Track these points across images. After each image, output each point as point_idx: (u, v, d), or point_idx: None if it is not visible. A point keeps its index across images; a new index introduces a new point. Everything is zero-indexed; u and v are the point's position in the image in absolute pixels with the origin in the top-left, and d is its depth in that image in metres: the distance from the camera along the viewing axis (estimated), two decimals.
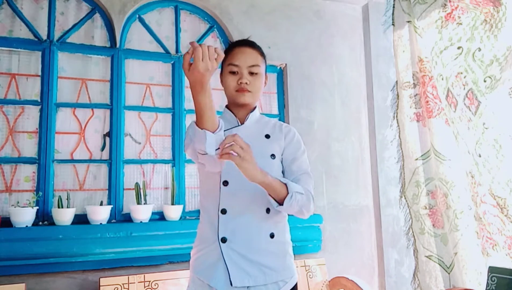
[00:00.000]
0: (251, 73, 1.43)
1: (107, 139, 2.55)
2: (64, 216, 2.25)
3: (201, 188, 1.51)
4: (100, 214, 2.31)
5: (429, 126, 2.36)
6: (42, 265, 2.17)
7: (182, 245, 2.38)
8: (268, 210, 1.40)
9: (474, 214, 2.20)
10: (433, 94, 2.34)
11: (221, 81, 1.50)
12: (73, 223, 2.29)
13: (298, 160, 1.46)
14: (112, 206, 2.43)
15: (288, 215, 1.51)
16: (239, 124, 1.48)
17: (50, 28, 2.50)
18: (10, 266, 2.12)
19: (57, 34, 2.52)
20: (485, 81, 2.10)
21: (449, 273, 2.29)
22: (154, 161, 2.63)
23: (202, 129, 1.21)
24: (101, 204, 2.39)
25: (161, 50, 2.73)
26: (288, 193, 1.29)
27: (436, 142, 2.32)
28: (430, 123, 2.35)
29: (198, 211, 2.66)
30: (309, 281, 2.58)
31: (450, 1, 2.26)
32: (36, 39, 2.46)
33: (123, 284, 2.19)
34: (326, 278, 2.62)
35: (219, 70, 1.53)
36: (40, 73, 2.45)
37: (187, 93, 2.74)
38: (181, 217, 2.52)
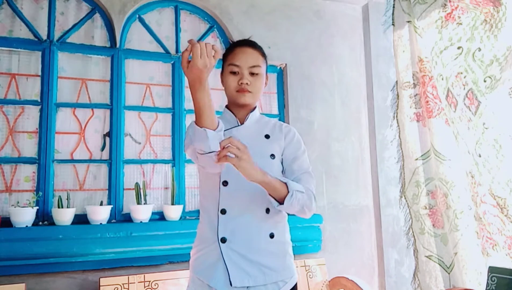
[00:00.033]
0: (252, 74, 1.43)
1: (107, 139, 2.55)
2: (64, 216, 2.25)
3: (201, 188, 1.51)
4: (100, 214, 2.31)
5: (429, 126, 2.36)
6: (42, 265, 2.17)
7: (182, 245, 2.38)
8: (268, 210, 1.40)
9: (474, 214, 2.20)
10: (433, 94, 2.34)
11: (222, 81, 1.50)
12: (73, 223, 2.29)
13: (298, 159, 1.46)
14: (112, 206, 2.43)
15: (289, 215, 1.51)
16: (239, 124, 1.48)
17: (50, 28, 2.50)
18: (10, 266, 2.12)
19: (57, 34, 2.52)
20: (485, 81, 2.10)
21: (449, 273, 2.30)
22: (154, 161, 2.63)
23: (201, 128, 1.20)
24: (101, 204, 2.39)
25: (161, 50, 2.73)
26: (288, 192, 1.29)
27: (436, 142, 2.32)
28: (430, 123, 2.35)
29: (198, 211, 2.66)
30: (309, 281, 2.58)
31: (450, 1, 2.26)
32: (36, 39, 2.46)
33: (123, 284, 2.19)
34: (326, 278, 2.62)
35: (219, 70, 1.53)
36: (40, 73, 2.45)
37: (187, 93, 2.74)
38: (181, 217, 2.52)
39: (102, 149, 2.54)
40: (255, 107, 1.52)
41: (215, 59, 1.15)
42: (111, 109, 2.56)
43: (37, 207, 2.28)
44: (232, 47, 1.48)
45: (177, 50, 2.76)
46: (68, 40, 2.53)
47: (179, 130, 2.68)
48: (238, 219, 1.37)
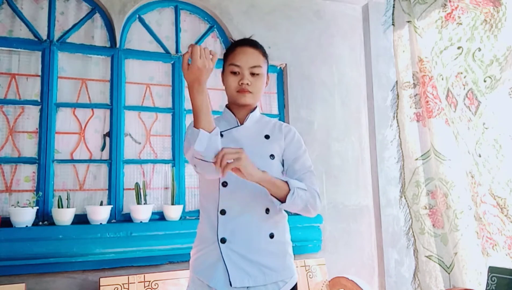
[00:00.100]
0: (253, 74, 1.42)
1: (107, 139, 2.55)
2: (64, 216, 2.25)
3: (200, 189, 1.51)
4: (100, 214, 2.31)
5: (429, 126, 2.36)
6: (42, 265, 2.17)
7: (182, 245, 2.38)
8: (267, 210, 1.40)
9: (474, 214, 2.20)
10: (433, 94, 2.34)
11: (223, 81, 1.50)
12: (73, 223, 2.29)
13: (300, 159, 1.46)
14: (112, 206, 2.43)
15: (290, 214, 1.51)
16: (239, 124, 1.48)
17: (50, 28, 2.50)
18: (10, 266, 2.12)
19: (57, 34, 2.52)
20: (485, 81, 2.10)
21: (449, 273, 2.30)
22: (154, 161, 2.63)
23: (198, 129, 1.23)
24: (101, 204, 2.39)
25: (161, 50, 2.73)
26: (289, 190, 1.29)
27: (436, 142, 2.32)
28: (430, 123, 2.35)
29: (198, 211, 2.66)
30: (309, 281, 2.58)
31: (450, 1, 2.26)
32: (36, 39, 2.46)
33: (123, 284, 2.19)
34: (326, 278, 2.62)
35: (220, 70, 1.53)
36: (40, 73, 2.45)
37: (187, 93, 2.71)
38: (181, 217, 2.52)
39: (102, 149, 2.54)
40: (255, 107, 1.51)
41: (213, 62, 1.21)
42: (111, 109, 2.56)
43: (37, 207, 2.28)
44: (233, 46, 1.47)
45: (177, 50, 2.76)
46: (68, 40, 2.53)
47: (179, 130, 2.68)
48: (237, 220, 1.37)
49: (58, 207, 2.26)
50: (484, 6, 2.09)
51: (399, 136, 2.54)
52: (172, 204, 2.51)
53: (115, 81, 2.58)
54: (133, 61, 2.68)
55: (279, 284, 1.38)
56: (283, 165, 1.47)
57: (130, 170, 2.58)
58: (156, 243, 2.37)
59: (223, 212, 1.38)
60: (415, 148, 2.46)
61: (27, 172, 2.37)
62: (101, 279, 2.18)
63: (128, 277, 2.21)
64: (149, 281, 2.24)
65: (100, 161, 2.51)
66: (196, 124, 1.25)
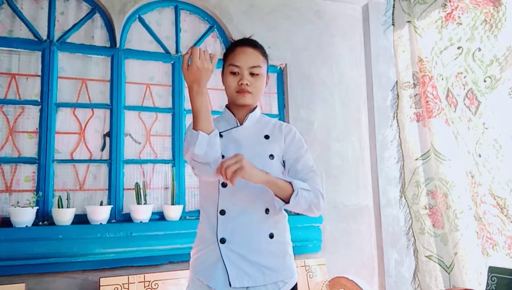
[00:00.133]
0: (252, 74, 1.42)
1: (107, 139, 2.55)
2: (64, 216, 2.25)
3: (200, 189, 1.51)
4: (100, 214, 2.31)
5: (429, 126, 2.36)
6: (42, 265, 2.17)
7: (182, 245, 2.38)
8: (267, 210, 1.40)
9: (474, 214, 2.20)
10: (433, 94, 2.34)
11: (222, 81, 1.50)
12: (73, 223, 2.29)
13: (302, 158, 1.46)
14: (112, 206, 2.43)
15: (290, 214, 1.51)
16: (238, 124, 1.48)
17: (50, 28, 2.50)
18: (10, 266, 2.12)
19: (57, 34, 2.52)
20: (485, 81, 2.10)
21: (449, 273, 2.29)
22: (154, 161, 2.63)
23: (197, 131, 1.23)
24: (101, 204, 2.39)
25: (161, 50, 2.73)
26: (293, 190, 1.29)
27: (436, 142, 2.32)
28: (430, 123, 2.35)
29: (198, 211, 2.66)
30: (309, 281, 2.58)
31: (450, 1, 2.25)
32: (36, 39, 2.46)
33: (123, 284, 2.19)
34: (326, 278, 2.62)
35: (220, 70, 1.53)
36: (40, 73, 2.45)
37: (187, 93, 2.71)
38: (181, 217, 2.52)
39: (102, 149, 2.54)
40: (255, 107, 1.51)
41: (213, 64, 1.23)
42: (111, 109, 2.56)
43: (37, 207, 2.28)
44: (233, 46, 1.47)
45: (177, 50, 2.76)
46: (68, 40, 2.53)
47: (179, 130, 2.68)
48: (237, 220, 1.37)
49: (58, 207, 2.26)
50: (484, 6, 2.09)
51: (399, 136, 2.54)
52: (172, 204, 2.51)
53: (115, 81, 2.58)
54: (133, 61, 2.68)
55: (279, 284, 1.38)
56: (283, 166, 1.47)
57: (130, 170, 2.58)
58: (156, 243, 2.37)
59: (222, 212, 1.38)
60: (415, 148, 2.46)
61: (27, 172, 2.37)
62: (101, 279, 2.18)
63: (128, 277, 2.21)
64: (149, 281, 2.24)
65: (100, 161, 2.51)
66: (195, 125, 1.25)
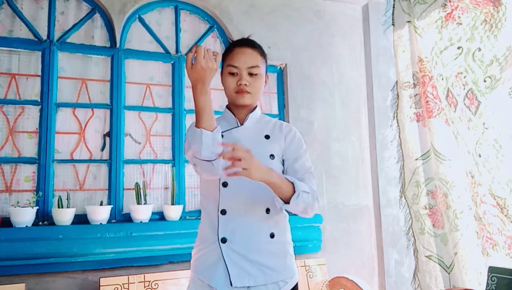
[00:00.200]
0: (251, 74, 1.42)
1: (107, 139, 2.55)
2: (64, 216, 2.25)
3: (201, 189, 1.51)
4: (100, 214, 2.31)
5: (429, 126, 2.36)
6: (42, 265, 2.17)
7: (182, 245, 2.38)
8: (268, 210, 1.40)
9: (474, 214, 2.20)
10: (433, 94, 2.34)
11: (222, 82, 1.50)
12: (73, 223, 2.29)
13: (300, 158, 1.46)
14: (112, 206, 2.43)
15: (294, 214, 1.50)
16: (239, 124, 1.48)
17: (50, 28, 2.50)
18: (10, 266, 2.12)
19: (57, 34, 2.52)
20: (485, 81, 2.10)
21: (449, 273, 2.29)
22: (154, 161, 2.63)
23: (200, 129, 1.22)
24: (101, 204, 2.39)
25: (161, 50, 2.73)
26: (294, 191, 1.29)
27: (436, 142, 2.32)
28: (430, 123, 2.35)
29: (198, 211, 2.66)
30: (309, 281, 2.58)
31: (450, 1, 2.26)
32: (36, 39, 2.46)
33: (123, 284, 2.19)
34: (326, 278, 2.62)
35: (219, 70, 1.53)
36: (40, 73, 2.45)
37: (187, 93, 2.74)
38: (181, 217, 2.52)
39: (102, 149, 2.54)
40: (255, 107, 1.51)
41: (217, 62, 1.23)
42: (111, 109, 2.56)
43: (37, 207, 2.28)
44: (231, 47, 1.47)
45: (177, 50, 2.76)
46: (68, 40, 2.53)
47: (179, 130, 2.68)
48: (238, 219, 1.37)
49: (58, 207, 2.26)
50: (484, 6, 2.09)
51: (399, 136, 2.54)
52: (172, 204, 2.51)
53: (115, 81, 2.58)
54: (133, 61, 2.68)
55: (279, 284, 1.38)
56: (283, 165, 1.47)
57: (130, 170, 2.58)
58: (156, 243, 2.36)
59: (223, 212, 1.38)
60: (415, 148, 2.46)
61: (27, 172, 2.37)
62: (101, 279, 2.18)
63: (128, 277, 2.21)
64: (149, 281, 2.24)
65: (100, 161, 2.51)
66: (198, 124, 1.25)
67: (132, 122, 2.63)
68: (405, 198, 2.50)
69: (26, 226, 2.17)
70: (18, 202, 2.29)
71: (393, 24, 2.59)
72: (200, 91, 1.23)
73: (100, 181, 2.51)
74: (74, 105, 2.51)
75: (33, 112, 2.43)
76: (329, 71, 3.08)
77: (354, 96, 3.13)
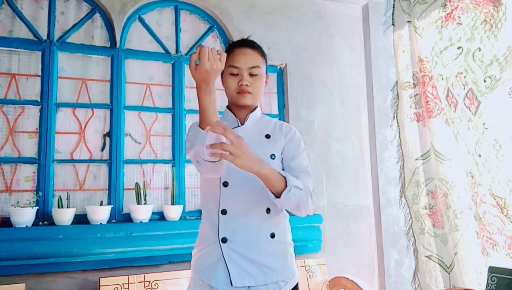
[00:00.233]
0: (252, 75, 1.43)
1: (107, 139, 2.55)
2: (64, 216, 2.25)
3: (201, 188, 1.51)
4: (100, 214, 2.31)
5: (429, 126, 2.36)
6: (42, 265, 2.17)
7: (182, 245, 2.38)
8: (268, 210, 1.40)
9: (474, 214, 2.20)
10: (433, 94, 2.34)
11: (222, 82, 1.50)
12: (73, 223, 2.29)
13: (297, 157, 1.46)
14: (112, 206, 2.43)
15: (291, 214, 1.50)
16: (239, 124, 1.48)
17: (50, 28, 2.50)
18: (10, 266, 2.12)
19: (57, 34, 2.52)
20: (485, 81, 2.10)
21: (449, 273, 2.30)
22: (154, 161, 2.63)
23: (203, 129, 1.21)
24: (101, 204, 2.39)
25: (161, 50, 2.73)
26: (286, 186, 1.29)
27: (436, 142, 2.32)
28: (430, 123, 2.35)
29: (198, 211, 2.66)
30: (309, 281, 2.58)
31: (450, 1, 2.26)
32: (36, 39, 2.46)
33: (123, 284, 2.19)
34: (326, 278, 2.62)
35: None
36: (40, 73, 2.45)
37: (187, 93, 2.74)
38: (181, 217, 2.52)
39: (102, 149, 2.54)
40: (256, 107, 1.52)
41: (222, 62, 1.21)
42: (111, 109, 2.56)
43: (37, 207, 2.28)
44: (231, 48, 1.48)
45: (177, 50, 2.76)
46: (68, 40, 2.53)
47: (179, 130, 2.68)
48: (238, 219, 1.37)
49: (58, 207, 2.26)
50: (484, 6, 2.09)
51: (399, 136, 2.54)
52: (172, 204, 2.51)
53: (115, 81, 2.58)
54: (133, 61, 2.68)
55: (280, 284, 1.38)
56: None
57: (130, 170, 2.58)
58: (156, 243, 2.36)
59: (224, 212, 1.38)
60: (415, 148, 2.46)
61: (27, 172, 2.37)
62: (101, 279, 2.18)
63: (128, 277, 2.21)
64: (149, 281, 2.24)
65: (100, 161, 2.51)
66: (201, 123, 1.24)
67: (132, 122, 2.63)
68: (405, 198, 2.50)
69: (26, 226, 2.17)
70: (18, 202, 2.28)
71: (393, 24, 2.59)
72: (204, 91, 1.22)
73: (100, 181, 2.51)
74: (74, 105, 2.51)
75: (33, 112, 2.43)
76: (329, 71, 3.08)
77: (354, 96, 3.13)
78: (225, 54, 1.23)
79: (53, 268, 2.20)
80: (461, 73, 2.21)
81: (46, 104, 2.42)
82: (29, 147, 2.39)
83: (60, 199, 2.27)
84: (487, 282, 1.98)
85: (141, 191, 2.45)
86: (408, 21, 2.46)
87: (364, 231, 2.99)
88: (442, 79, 2.30)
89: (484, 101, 2.10)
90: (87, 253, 2.23)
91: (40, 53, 2.47)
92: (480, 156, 2.10)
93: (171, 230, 2.41)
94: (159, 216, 2.56)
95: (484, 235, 2.15)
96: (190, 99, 2.74)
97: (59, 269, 2.21)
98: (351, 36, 3.19)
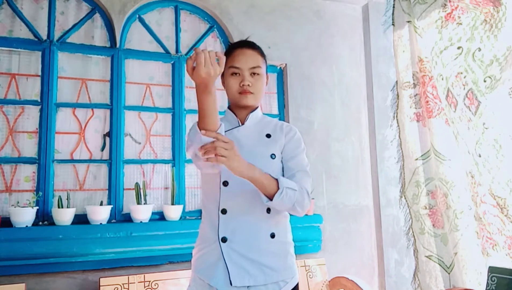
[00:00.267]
0: (253, 75, 1.43)
1: (107, 139, 2.55)
2: (64, 216, 2.25)
3: (202, 188, 1.51)
4: (100, 214, 2.31)
5: (429, 126, 2.36)
6: (42, 265, 2.17)
7: (182, 245, 2.38)
8: (268, 210, 1.40)
9: (474, 214, 2.20)
10: (433, 94, 2.34)
11: (223, 83, 1.50)
12: (73, 223, 2.29)
13: (296, 157, 1.46)
14: (112, 206, 2.43)
15: (291, 215, 1.50)
16: (240, 124, 1.48)
17: (50, 28, 2.50)
18: (10, 266, 2.12)
19: (57, 34, 2.52)
20: (485, 81, 2.10)
21: (449, 273, 2.30)
22: (154, 161, 2.63)
23: (202, 130, 1.22)
24: (101, 204, 2.39)
25: (161, 50, 2.73)
26: (278, 189, 1.29)
27: (436, 142, 2.32)
28: (430, 123, 2.35)
29: (198, 211, 2.66)
30: (309, 281, 2.58)
31: (450, 1, 2.26)
32: (36, 39, 2.46)
33: (123, 284, 2.19)
34: (326, 278, 2.62)
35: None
36: (40, 73, 2.45)
37: (187, 93, 2.74)
38: (181, 217, 2.52)
39: (102, 149, 2.54)
40: (256, 107, 1.52)
41: (221, 65, 1.17)
42: (111, 109, 2.56)
43: (37, 207, 2.28)
44: (232, 49, 1.48)
45: (177, 50, 2.76)
46: (68, 40, 2.53)
47: (179, 130, 2.68)
48: (238, 219, 1.37)
49: (58, 207, 2.26)
50: (484, 6, 2.09)
51: (399, 136, 2.54)
52: (172, 204, 2.51)
53: (115, 81, 2.58)
54: (133, 61, 2.68)
55: (279, 284, 1.38)
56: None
57: (130, 170, 2.58)
58: (156, 243, 2.37)
59: (224, 211, 1.38)
60: (415, 148, 2.46)
61: (27, 172, 2.37)
62: (101, 279, 2.18)
63: (128, 277, 2.21)
64: (149, 281, 2.24)
65: (100, 161, 2.51)
66: (200, 123, 1.23)
67: (132, 122, 2.63)
68: (405, 198, 2.50)
69: (26, 226, 2.17)
70: (18, 202, 2.29)
71: (393, 24, 2.59)
72: (203, 91, 1.20)
73: (100, 181, 2.51)
74: (74, 105, 2.51)
75: (33, 112, 2.43)
76: (329, 71, 3.08)
77: (354, 96, 3.13)
78: (224, 58, 1.19)
79: (53, 268, 2.20)
80: (461, 73, 2.21)
81: (46, 104, 2.42)
82: (29, 147, 2.39)
83: (60, 199, 2.27)
84: (487, 282, 1.98)
85: (141, 191, 2.45)
86: (408, 21, 2.46)
87: (364, 231, 2.99)
88: (442, 79, 2.30)
89: (484, 101, 2.10)
90: (87, 253, 2.23)
91: (40, 53, 2.47)
92: (480, 156, 2.10)
93: (171, 230, 2.41)
94: (159, 216, 2.56)
95: (484, 235, 2.15)
96: (190, 99, 2.74)
97: (59, 269, 2.21)
98: (351, 36, 3.19)
